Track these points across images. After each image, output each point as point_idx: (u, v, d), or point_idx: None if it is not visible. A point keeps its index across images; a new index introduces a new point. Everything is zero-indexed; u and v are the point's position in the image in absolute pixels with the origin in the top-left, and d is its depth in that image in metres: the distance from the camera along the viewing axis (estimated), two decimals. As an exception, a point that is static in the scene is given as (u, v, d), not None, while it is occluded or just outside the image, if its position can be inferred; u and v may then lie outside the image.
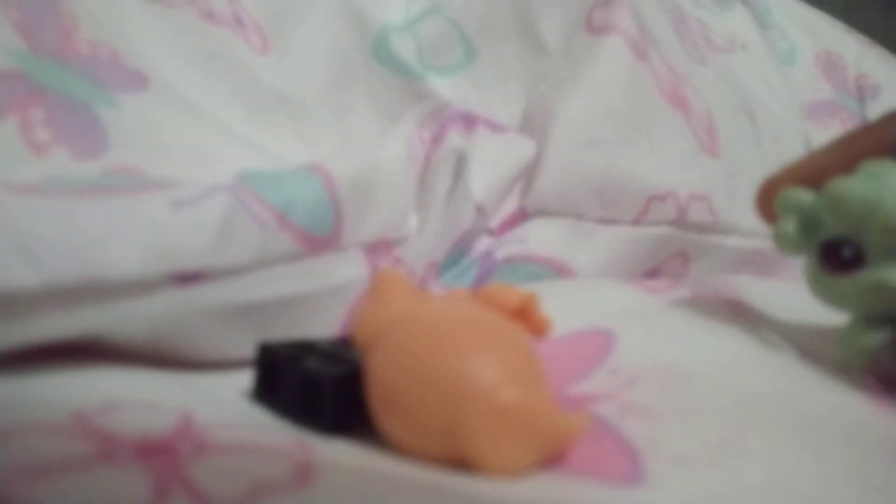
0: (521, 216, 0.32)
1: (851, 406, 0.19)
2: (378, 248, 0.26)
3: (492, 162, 0.31)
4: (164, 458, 0.15)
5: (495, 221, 0.32)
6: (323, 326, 0.23)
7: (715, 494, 0.16)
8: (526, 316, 0.20)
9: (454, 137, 0.32)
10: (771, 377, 0.21)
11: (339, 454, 0.17)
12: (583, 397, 0.20)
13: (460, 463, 0.16)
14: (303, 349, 0.20)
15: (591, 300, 0.27)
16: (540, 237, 0.31)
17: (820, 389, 0.21)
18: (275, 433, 0.18)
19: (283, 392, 0.20)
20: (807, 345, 0.23)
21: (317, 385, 0.19)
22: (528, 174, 0.33)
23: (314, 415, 0.19)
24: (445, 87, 0.35)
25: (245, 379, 0.21)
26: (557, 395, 0.20)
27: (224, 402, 0.20)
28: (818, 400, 0.20)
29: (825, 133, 0.46)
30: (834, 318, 0.21)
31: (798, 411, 0.19)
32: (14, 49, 0.27)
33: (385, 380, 0.17)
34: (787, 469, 0.17)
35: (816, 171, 0.22)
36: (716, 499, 0.16)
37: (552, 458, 0.17)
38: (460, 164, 0.31)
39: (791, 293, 0.26)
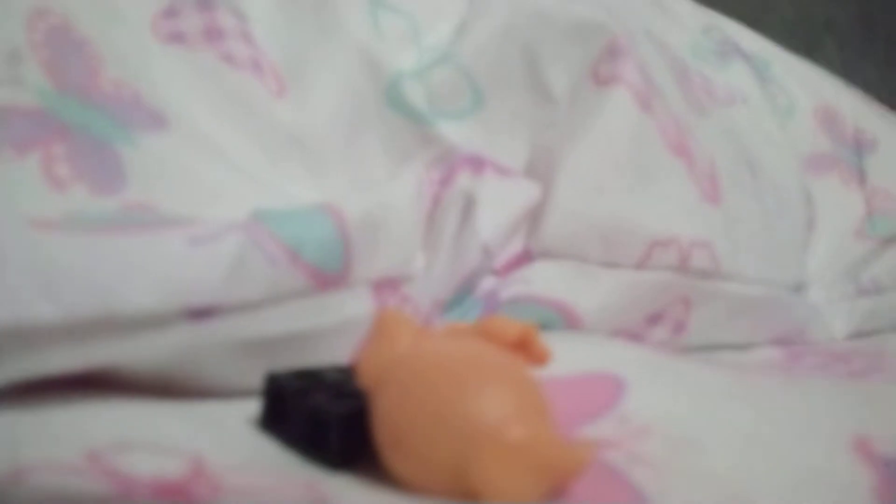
0: (526, 257, 0.33)
1: (859, 467, 0.19)
2: (386, 285, 0.26)
3: (498, 204, 0.32)
4: (181, 500, 0.15)
5: (500, 261, 0.32)
6: (330, 360, 0.24)
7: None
8: (526, 347, 0.20)
9: (462, 179, 0.33)
10: (783, 439, 0.21)
11: (349, 496, 0.17)
12: (591, 442, 0.20)
13: (466, 495, 0.17)
14: (310, 380, 0.21)
15: (601, 347, 0.27)
16: (544, 278, 0.32)
17: (831, 453, 0.21)
18: (286, 475, 0.18)
19: (291, 424, 0.20)
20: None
21: (324, 422, 0.19)
22: (534, 217, 0.33)
23: (321, 449, 0.19)
24: (454, 132, 0.35)
25: (253, 407, 0.21)
26: (565, 436, 0.20)
27: (234, 438, 0.20)
28: (828, 462, 0.20)
29: (824, 184, 0.47)
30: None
31: (807, 470, 0.19)
32: (40, 87, 0.28)
33: (392, 421, 0.18)
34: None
35: None
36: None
37: (561, 493, 0.17)
38: (468, 205, 0.32)
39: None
